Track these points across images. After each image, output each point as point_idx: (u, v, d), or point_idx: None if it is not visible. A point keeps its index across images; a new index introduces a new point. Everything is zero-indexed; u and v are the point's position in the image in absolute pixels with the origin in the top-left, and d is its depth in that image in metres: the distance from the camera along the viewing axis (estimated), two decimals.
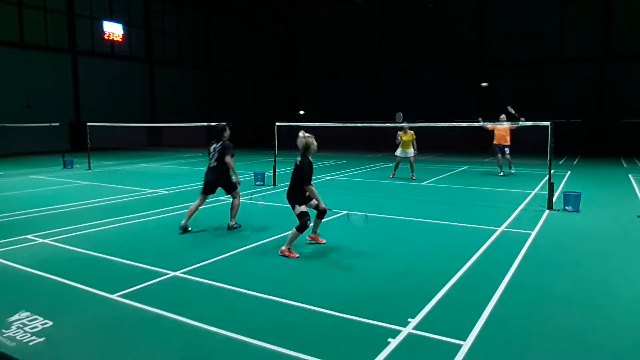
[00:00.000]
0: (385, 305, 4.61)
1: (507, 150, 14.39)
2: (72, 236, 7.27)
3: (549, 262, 5.99)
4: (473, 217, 8.68)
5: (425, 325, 4.10)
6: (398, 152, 13.92)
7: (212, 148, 7.64)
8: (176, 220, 8.48)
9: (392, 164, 14.95)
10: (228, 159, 7.48)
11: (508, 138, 14.38)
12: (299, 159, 6.21)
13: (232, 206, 7.71)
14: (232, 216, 7.71)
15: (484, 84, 9.48)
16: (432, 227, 7.96)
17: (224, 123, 7.81)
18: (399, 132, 13.71)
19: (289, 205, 6.34)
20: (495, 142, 14.53)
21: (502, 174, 14.65)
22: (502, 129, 14.16)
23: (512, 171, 14.99)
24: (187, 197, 10.72)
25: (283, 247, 6.21)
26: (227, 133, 7.71)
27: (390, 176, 14.29)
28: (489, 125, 13.81)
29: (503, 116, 14.00)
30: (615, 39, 27.95)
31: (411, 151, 13.83)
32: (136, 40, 30.76)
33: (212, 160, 7.60)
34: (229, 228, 7.66)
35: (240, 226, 7.71)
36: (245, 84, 38.63)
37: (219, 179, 7.60)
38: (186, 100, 33.63)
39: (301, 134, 6.31)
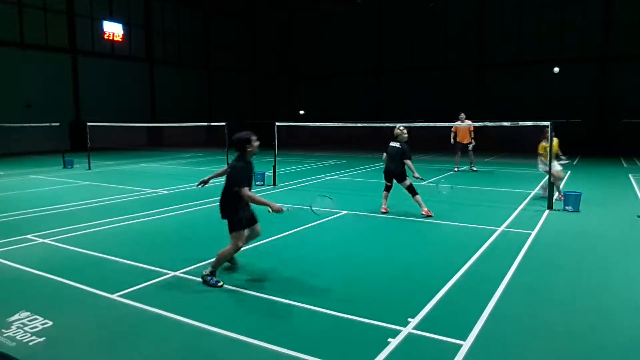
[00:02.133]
0: (385, 305, 4.61)
1: (469, 147, 15.51)
2: (72, 236, 7.27)
3: (549, 262, 5.99)
4: (473, 217, 8.67)
5: (425, 325, 4.10)
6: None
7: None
8: (176, 221, 8.49)
9: None
10: (236, 190, 5.06)
11: (468, 136, 15.50)
12: (396, 144, 8.66)
13: (220, 252, 5.18)
14: (213, 264, 5.17)
15: (555, 70, 8.54)
16: (432, 227, 7.96)
17: (247, 133, 5.22)
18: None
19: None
20: (457, 140, 15.66)
21: (456, 169, 15.88)
22: (463, 128, 15.22)
23: (474, 169, 15.84)
24: (187, 197, 10.73)
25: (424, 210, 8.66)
26: (252, 147, 5.22)
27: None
28: (453, 126, 14.80)
29: (462, 115, 14.99)
30: (615, 39, 27.93)
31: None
32: (136, 40, 30.76)
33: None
34: (202, 279, 5.16)
35: (221, 285, 5.06)
36: (245, 84, 38.63)
37: (223, 209, 5.26)
38: (186, 100, 33.64)
39: (399, 125, 8.96)
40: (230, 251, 5.18)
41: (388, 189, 9.03)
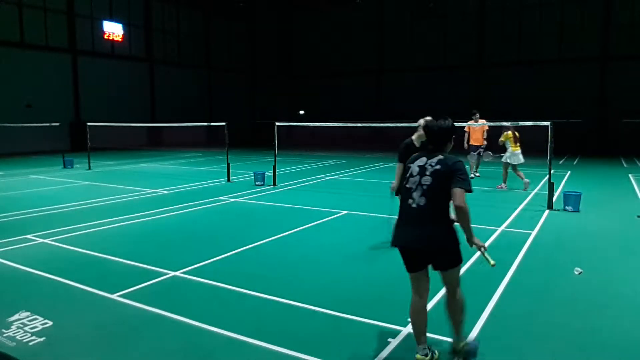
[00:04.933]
0: (385, 305, 4.61)
1: (481, 151, 13.61)
2: (72, 236, 7.26)
3: (549, 262, 5.99)
4: (473, 217, 8.57)
5: None
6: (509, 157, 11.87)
7: (418, 164, 3.49)
8: (176, 221, 8.48)
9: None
10: (459, 194, 3.43)
11: (482, 139, 13.81)
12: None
13: (452, 308, 3.66)
14: (457, 331, 3.60)
15: (578, 271, 6.97)
16: None
17: (448, 120, 3.54)
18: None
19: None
20: (471, 142, 13.90)
21: (478, 175, 14.22)
22: (477, 129, 13.64)
23: (477, 174, 14.21)
24: (187, 197, 10.72)
25: None
26: (451, 143, 3.59)
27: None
28: (465, 126, 13.23)
29: (477, 113, 13.50)
30: (615, 39, 27.94)
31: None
32: (136, 40, 30.75)
33: (416, 194, 3.46)
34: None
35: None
36: (245, 84, 38.64)
37: (432, 240, 3.57)
38: (186, 100, 33.63)
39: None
40: (462, 297, 3.67)
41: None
